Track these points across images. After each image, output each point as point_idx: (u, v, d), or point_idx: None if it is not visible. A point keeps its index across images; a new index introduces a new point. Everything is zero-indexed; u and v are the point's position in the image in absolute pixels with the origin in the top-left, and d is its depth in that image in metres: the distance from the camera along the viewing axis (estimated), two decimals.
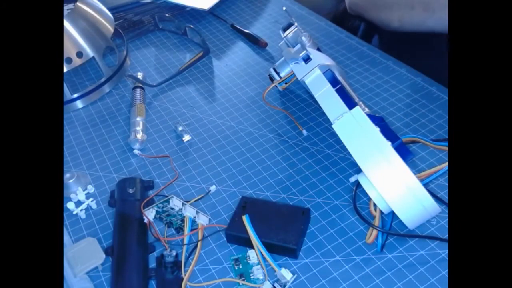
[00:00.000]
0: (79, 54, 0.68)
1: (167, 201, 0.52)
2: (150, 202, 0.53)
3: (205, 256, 0.48)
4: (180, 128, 0.63)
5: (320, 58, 0.55)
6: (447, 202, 0.50)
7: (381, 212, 0.47)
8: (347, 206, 0.51)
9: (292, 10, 0.87)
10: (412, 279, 0.44)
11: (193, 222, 0.50)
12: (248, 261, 0.46)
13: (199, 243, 0.48)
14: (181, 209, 0.51)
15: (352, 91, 0.56)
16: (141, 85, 0.70)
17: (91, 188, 0.56)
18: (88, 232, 0.52)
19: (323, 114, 0.50)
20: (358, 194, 0.52)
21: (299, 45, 0.60)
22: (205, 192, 0.55)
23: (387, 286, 0.44)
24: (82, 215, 0.54)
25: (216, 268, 0.47)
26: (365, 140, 0.45)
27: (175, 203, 0.51)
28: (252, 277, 0.45)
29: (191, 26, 0.80)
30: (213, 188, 0.55)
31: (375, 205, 0.46)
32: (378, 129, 0.45)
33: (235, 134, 0.62)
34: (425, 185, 0.47)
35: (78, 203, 0.54)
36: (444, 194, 0.51)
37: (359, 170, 0.46)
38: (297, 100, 0.66)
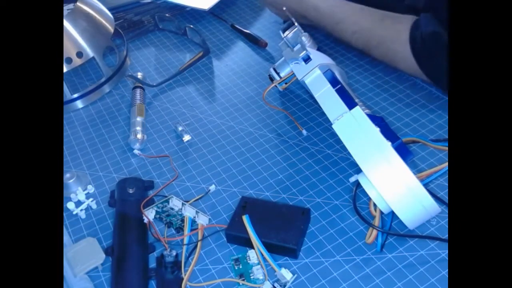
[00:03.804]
0: (79, 54, 0.68)
1: (167, 201, 0.52)
2: (150, 202, 0.53)
3: (205, 256, 0.48)
4: (180, 128, 0.63)
5: (320, 58, 0.56)
6: (447, 202, 0.50)
7: (381, 212, 0.47)
8: (347, 206, 0.51)
9: None
10: (412, 279, 0.44)
11: (193, 222, 0.50)
12: (248, 261, 0.46)
13: (199, 243, 0.48)
14: (181, 209, 0.51)
15: (352, 91, 0.56)
16: (141, 85, 0.70)
17: (91, 188, 0.56)
18: (88, 232, 0.52)
19: (323, 114, 0.50)
20: (358, 194, 0.52)
21: (299, 45, 0.60)
22: (205, 192, 0.55)
23: (387, 286, 0.44)
24: (82, 215, 0.54)
25: (216, 268, 0.47)
26: (365, 140, 0.45)
27: (175, 203, 0.51)
28: (252, 277, 0.45)
29: (191, 26, 0.80)
30: (212, 187, 0.55)
31: (375, 205, 0.46)
32: (378, 129, 0.45)
33: (235, 134, 0.62)
34: (425, 185, 0.47)
35: (78, 203, 0.54)
36: (444, 194, 0.51)
37: (359, 170, 0.46)
38: (297, 100, 0.66)
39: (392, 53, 0.65)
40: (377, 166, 0.44)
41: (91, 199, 0.55)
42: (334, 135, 0.57)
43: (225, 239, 0.49)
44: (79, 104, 0.70)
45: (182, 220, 0.50)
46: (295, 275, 0.45)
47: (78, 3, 0.72)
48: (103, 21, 0.74)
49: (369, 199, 0.48)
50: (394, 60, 0.66)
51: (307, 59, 0.55)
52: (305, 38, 0.61)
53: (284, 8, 0.66)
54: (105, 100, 0.71)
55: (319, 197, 0.53)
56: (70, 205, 0.54)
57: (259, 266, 0.46)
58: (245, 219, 0.47)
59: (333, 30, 0.71)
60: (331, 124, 0.48)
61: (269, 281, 0.44)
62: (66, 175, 0.56)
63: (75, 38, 0.68)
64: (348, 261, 0.46)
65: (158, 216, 0.51)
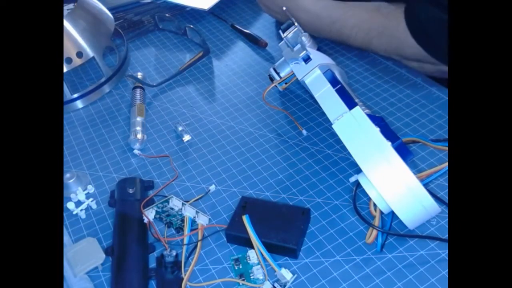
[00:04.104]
0: (79, 54, 0.68)
1: (167, 201, 0.52)
2: (150, 202, 0.53)
3: (205, 256, 0.48)
4: (180, 128, 0.63)
5: (320, 58, 0.56)
6: (447, 202, 0.50)
7: (381, 212, 0.47)
8: (347, 206, 0.51)
9: None
10: (412, 279, 0.44)
11: (193, 222, 0.50)
12: (248, 261, 0.46)
13: (199, 243, 0.48)
14: (181, 209, 0.51)
15: (352, 91, 0.56)
16: (141, 85, 0.70)
17: (91, 188, 0.56)
18: (88, 232, 0.52)
19: (323, 114, 0.50)
20: (358, 194, 0.52)
21: (299, 45, 0.60)
22: (205, 192, 0.54)
23: (387, 286, 0.44)
24: (82, 215, 0.54)
25: (216, 268, 0.47)
26: (365, 140, 0.45)
27: (175, 203, 0.51)
28: (252, 277, 0.45)
29: (191, 26, 0.80)
30: (212, 187, 0.55)
31: (375, 205, 0.46)
32: (378, 129, 0.45)
33: (235, 134, 0.62)
34: (425, 185, 0.47)
35: (78, 203, 0.54)
36: (444, 194, 0.51)
37: (359, 170, 0.46)
38: (297, 100, 0.66)
39: (397, 40, 0.65)
40: (377, 166, 0.44)
41: (91, 199, 0.55)
42: (334, 135, 0.57)
43: (225, 239, 0.49)
44: (79, 104, 0.70)
45: (182, 220, 0.50)
46: (295, 275, 0.45)
47: (78, 3, 0.72)
48: (103, 21, 0.74)
49: (369, 199, 0.48)
50: (400, 47, 0.65)
51: (307, 59, 0.55)
52: (305, 38, 0.61)
53: (284, 8, 0.66)
54: (105, 100, 0.71)
55: (319, 197, 0.53)
56: (70, 205, 0.54)
57: (259, 266, 0.46)
58: (245, 219, 0.47)
59: (331, 30, 0.71)
60: (331, 124, 0.48)
61: (269, 281, 0.44)
62: (66, 175, 0.56)
63: (75, 38, 0.68)
64: (348, 261, 0.46)
65: (158, 216, 0.51)
